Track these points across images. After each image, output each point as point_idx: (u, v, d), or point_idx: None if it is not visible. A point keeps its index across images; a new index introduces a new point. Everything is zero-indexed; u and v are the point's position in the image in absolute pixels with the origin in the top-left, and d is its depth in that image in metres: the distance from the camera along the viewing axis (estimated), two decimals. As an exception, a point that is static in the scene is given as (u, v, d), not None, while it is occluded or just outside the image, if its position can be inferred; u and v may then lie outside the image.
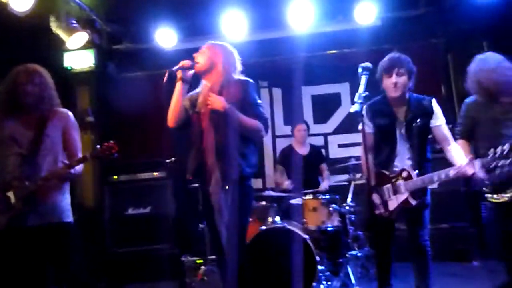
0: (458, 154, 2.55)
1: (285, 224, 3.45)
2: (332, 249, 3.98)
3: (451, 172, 2.41)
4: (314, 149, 4.60)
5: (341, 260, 3.78)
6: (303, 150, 4.53)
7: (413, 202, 2.52)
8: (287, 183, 4.26)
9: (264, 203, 3.76)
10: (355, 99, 2.22)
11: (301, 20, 4.58)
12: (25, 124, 2.48)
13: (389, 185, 2.59)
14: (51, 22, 4.00)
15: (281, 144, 5.00)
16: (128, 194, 4.67)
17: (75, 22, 4.11)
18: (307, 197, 3.69)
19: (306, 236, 3.38)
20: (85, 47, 4.64)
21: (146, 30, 4.88)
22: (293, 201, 3.88)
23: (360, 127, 2.22)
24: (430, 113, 2.60)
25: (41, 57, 4.35)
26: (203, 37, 5.02)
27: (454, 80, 4.82)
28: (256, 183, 5.07)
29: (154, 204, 4.62)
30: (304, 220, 3.63)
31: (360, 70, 2.35)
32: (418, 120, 2.58)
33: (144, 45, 5.11)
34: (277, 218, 3.56)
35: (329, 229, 3.62)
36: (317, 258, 3.32)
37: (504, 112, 2.55)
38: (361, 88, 2.27)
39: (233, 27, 4.62)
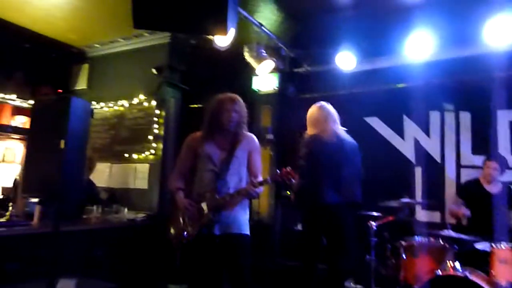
0: None
1: (467, 274, 3.03)
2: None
3: None
4: (506, 188, 3.91)
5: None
6: (492, 188, 3.92)
7: None
8: (464, 211, 3.83)
9: (442, 242, 3.40)
10: None
11: (500, 35, 3.96)
12: (220, 145, 2.85)
13: None
14: (245, 52, 4.55)
15: (466, 175, 4.43)
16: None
17: (264, 51, 4.56)
18: (499, 245, 3.14)
19: (494, 292, 2.88)
20: (270, 71, 5.11)
21: (325, 53, 5.03)
22: (478, 246, 3.37)
23: None
24: None
25: (236, 80, 5.05)
26: (382, 57, 4.91)
27: None
28: (434, 217, 4.61)
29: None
30: (492, 272, 3.10)
31: None
32: None
33: (322, 67, 5.28)
34: (457, 264, 3.16)
35: (524, 287, 3.00)
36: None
37: None
38: None
39: (418, 47, 4.33)
